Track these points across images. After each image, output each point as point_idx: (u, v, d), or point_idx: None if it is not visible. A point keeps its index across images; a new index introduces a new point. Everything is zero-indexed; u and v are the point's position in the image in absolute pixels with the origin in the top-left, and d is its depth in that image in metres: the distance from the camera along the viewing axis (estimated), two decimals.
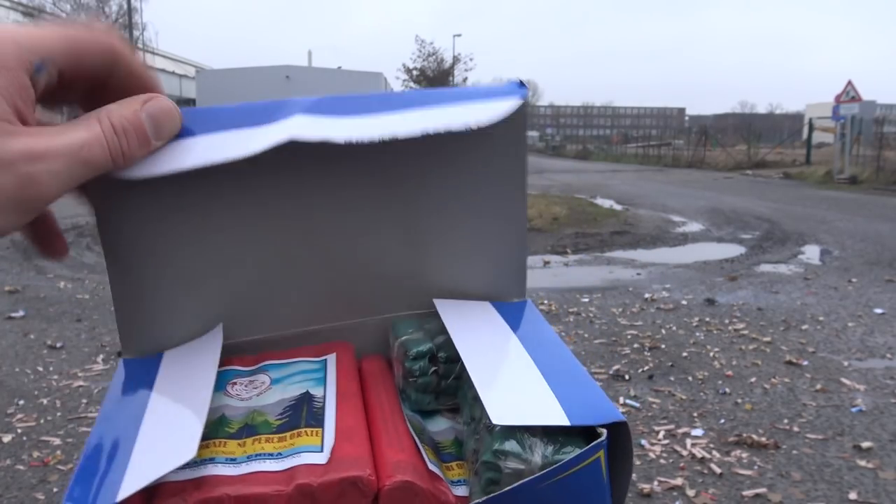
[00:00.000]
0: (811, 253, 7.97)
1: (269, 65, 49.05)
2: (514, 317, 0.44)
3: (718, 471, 2.68)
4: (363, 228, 0.46)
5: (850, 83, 19.85)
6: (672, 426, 3.11)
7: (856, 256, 7.62)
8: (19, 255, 7.20)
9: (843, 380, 3.72)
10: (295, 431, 0.37)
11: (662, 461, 2.78)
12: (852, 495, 2.51)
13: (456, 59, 39.22)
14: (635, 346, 4.30)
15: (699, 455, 2.82)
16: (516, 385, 0.37)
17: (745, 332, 4.61)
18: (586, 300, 5.48)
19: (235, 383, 0.41)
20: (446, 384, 0.41)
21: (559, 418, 0.33)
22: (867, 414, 3.27)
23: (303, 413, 0.38)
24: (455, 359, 0.41)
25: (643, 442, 2.94)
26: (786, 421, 3.18)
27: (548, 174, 26.16)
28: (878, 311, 5.20)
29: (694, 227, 10.33)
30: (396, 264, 0.47)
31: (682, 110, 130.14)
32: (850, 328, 4.74)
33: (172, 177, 0.38)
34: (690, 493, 2.52)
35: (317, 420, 0.37)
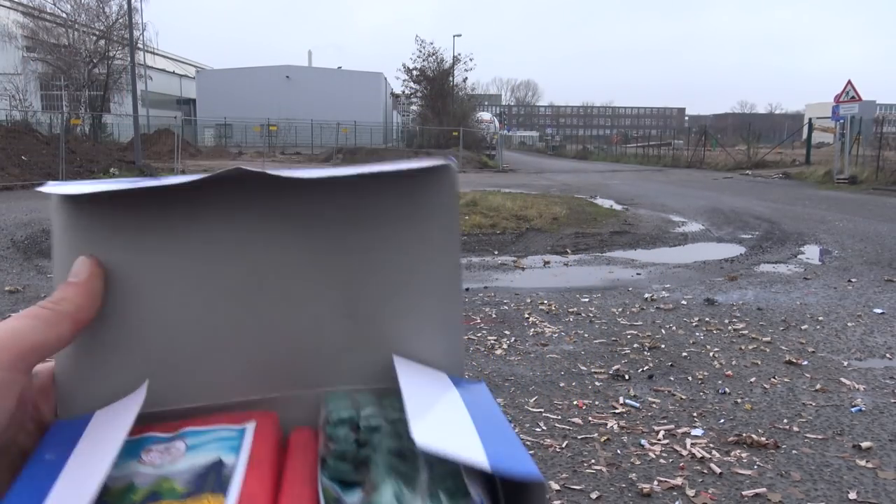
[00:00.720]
0: (811, 253, 7.98)
1: (269, 65, 49.21)
2: (462, 384, 0.44)
3: (718, 470, 2.68)
4: (302, 299, 0.46)
5: (849, 83, 19.86)
6: (672, 426, 3.11)
7: (855, 256, 7.62)
8: (20, 256, 7.19)
9: (843, 380, 3.72)
10: (197, 497, 0.36)
11: (662, 461, 2.78)
12: (852, 495, 2.51)
13: (456, 59, 39.21)
14: (635, 345, 4.30)
15: (699, 455, 2.82)
16: (446, 422, 0.38)
17: (745, 332, 4.61)
18: (586, 300, 5.48)
19: (151, 450, 0.40)
20: (365, 453, 0.40)
21: (480, 460, 0.33)
22: (867, 414, 3.27)
23: (209, 480, 0.37)
24: (378, 428, 0.40)
25: (643, 442, 2.94)
26: (785, 421, 3.18)
27: (548, 174, 26.15)
28: (878, 311, 5.21)
29: (694, 227, 10.34)
30: (334, 337, 0.47)
31: (681, 110, 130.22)
32: (850, 328, 4.74)
33: (123, 228, 0.44)
34: (690, 492, 2.52)
35: (221, 487, 0.36)
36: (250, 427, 0.42)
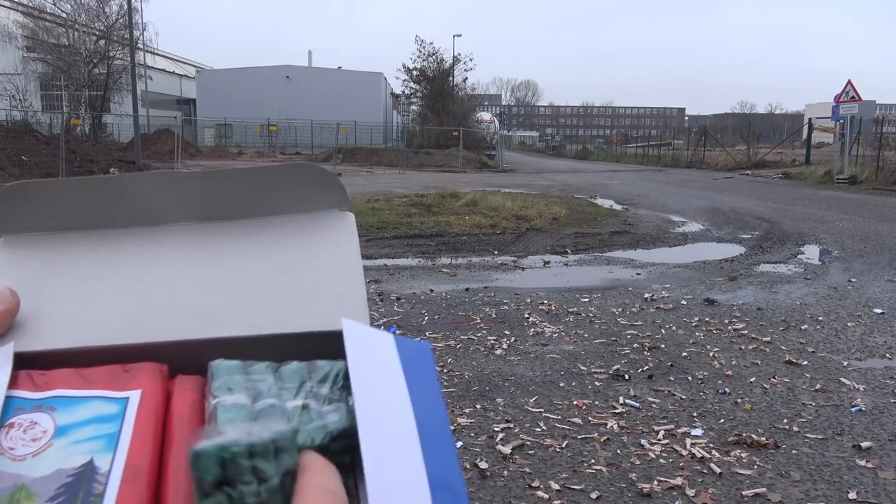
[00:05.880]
0: (811, 253, 7.98)
1: (269, 65, 49.20)
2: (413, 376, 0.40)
3: (718, 470, 2.68)
4: (191, 268, 0.48)
5: (849, 83, 19.86)
6: (672, 426, 3.11)
7: (855, 256, 7.62)
8: None
9: (843, 380, 3.72)
10: None
11: (662, 461, 2.78)
12: (852, 495, 2.51)
13: (456, 60, 39.22)
14: (635, 345, 4.30)
15: (699, 455, 2.82)
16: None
17: (745, 331, 4.61)
18: (586, 300, 5.48)
19: (13, 425, 0.34)
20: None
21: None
22: (867, 414, 3.27)
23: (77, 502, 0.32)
24: (284, 447, 0.34)
25: (643, 442, 2.94)
26: (785, 421, 3.18)
27: (548, 174, 26.15)
28: (878, 311, 5.21)
29: (694, 227, 10.34)
30: (220, 298, 0.46)
31: (681, 110, 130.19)
32: (850, 328, 4.74)
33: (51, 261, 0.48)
34: (690, 492, 2.52)
35: None
36: (134, 399, 0.37)
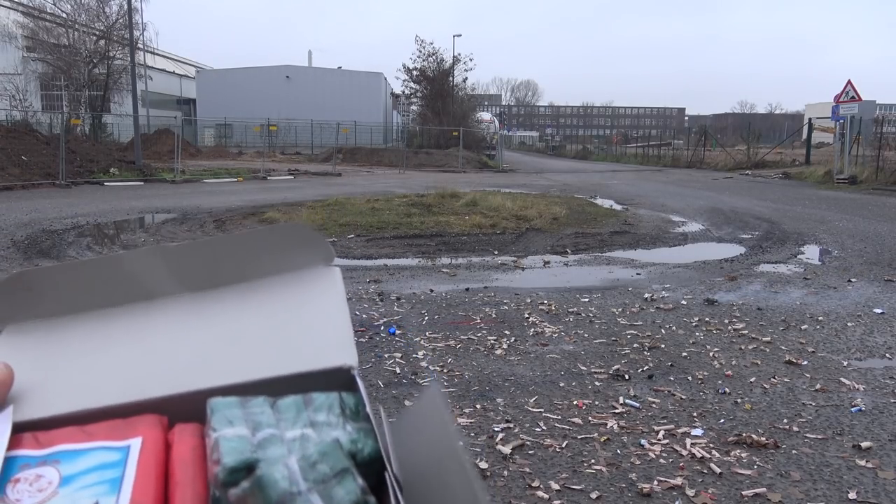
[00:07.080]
0: (811, 253, 7.98)
1: (269, 65, 49.17)
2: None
3: (718, 470, 2.68)
4: (189, 328, 0.50)
5: (849, 83, 19.85)
6: (672, 426, 3.11)
7: (855, 256, 7.62)
8: (20, 256, 7.19)
9: (843, 380, 3.72)
10: None
11: (662, 461, 2.78)
12: (852, 495, 2.51)
13: (456, 60, 39.19)
14: (635, 345, 4.30)
15: (699, 455, 2.82)
16: None
17: (745, 331, 4.61)
18: (586, 300, 5.48)
19: (19, 480, 0.35)
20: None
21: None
22: (867, 414, 3.27)
23: None
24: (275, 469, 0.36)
25: (643, 442, 2.94)
26: (785, 421, 3.18)
27: (548, 174, 26.15)
28: (878, 311, 5.21)
29: (693, 227, 10.34)
30: (215, 338, 0.48)
31: (681, 110, 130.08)
32: (850, 328, 4.74)
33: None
34: (690, 492, 2.52)
35: None
36: (135, 446, 0.38)
